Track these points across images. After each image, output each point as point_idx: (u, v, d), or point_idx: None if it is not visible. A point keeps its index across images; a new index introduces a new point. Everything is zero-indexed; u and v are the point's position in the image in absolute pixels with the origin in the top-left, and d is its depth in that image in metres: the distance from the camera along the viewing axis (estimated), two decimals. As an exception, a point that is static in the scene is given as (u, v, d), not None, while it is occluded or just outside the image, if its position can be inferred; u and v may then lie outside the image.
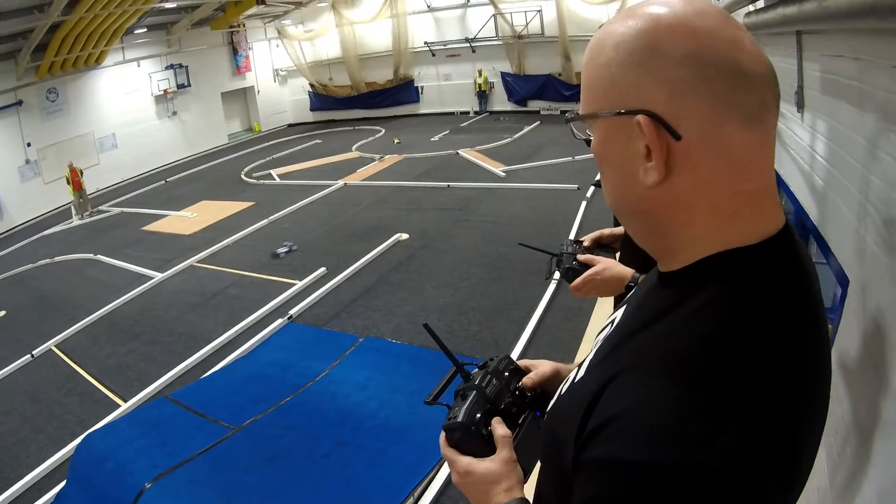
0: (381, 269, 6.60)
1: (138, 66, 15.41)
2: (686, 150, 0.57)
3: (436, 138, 14.30)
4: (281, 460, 3.61)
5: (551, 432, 0.69)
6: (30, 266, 8.95)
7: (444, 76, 17.99)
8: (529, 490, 0.81)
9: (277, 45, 19.35)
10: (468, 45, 17.00)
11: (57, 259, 8.99)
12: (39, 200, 12.94)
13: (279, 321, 5.55)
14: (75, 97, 13.98)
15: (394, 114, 18.57)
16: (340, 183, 10.81)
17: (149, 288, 7.02)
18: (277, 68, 19.79)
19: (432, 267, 6.48)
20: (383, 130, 16.45)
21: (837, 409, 1.42)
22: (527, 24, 15.87)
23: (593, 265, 1.55)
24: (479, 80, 17.12)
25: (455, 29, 17.16)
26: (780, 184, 2.67)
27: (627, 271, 1.49)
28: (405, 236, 7.52)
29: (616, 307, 1.44)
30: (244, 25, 18.02)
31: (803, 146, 2.30)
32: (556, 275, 1.65)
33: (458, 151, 12.17)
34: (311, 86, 19.54)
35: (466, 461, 0.84)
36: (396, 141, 14.08)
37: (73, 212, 11.81)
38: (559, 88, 16.05)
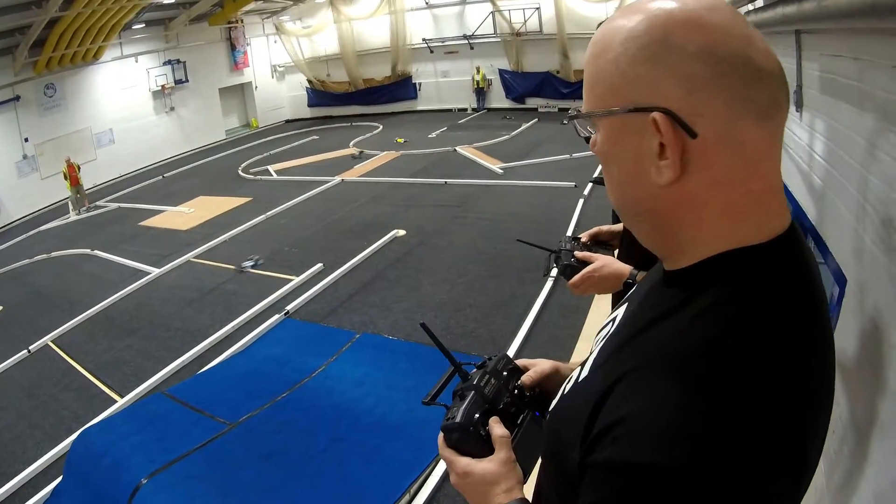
0: (378, 265, 6.60)
1: (136, 61, 15.34)
2: (702, 147, 0.56)
3: (433, 135, 14.28)
4: (277, 456, 3.60)
5: (554, 432, 0.69)
6: (26, 261, 8.91)
7: (441, 73, 17.96)
8: (529, 490, 0.81)
9: (275, 41, 19.29)
10: (466, 42, 16.95)
11: (54, 254, 8.95)
12: (37, 196, 12.89)
13: (276, 317, 5.54)
14: (73, 92, 13.90)
15: (391, 110, 18.52)
16: (337, 179, 10.80)
17: (145, 283, 7.00)
18: (275, 64, 19.72)
19: (429, 263, 6.48)
20: (381, 127, 16.42)
21: (835, 409, 1.40)
22: (525, 21, 15.85)
23: (591, 262, 1.55)
24: (477, 77, 17.08)
25: (453, 26, 17.13)
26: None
27: (626, 268, 1.49)
28: (402, 233, 7.51)
29: (615, 305, 1.45)
30: (242, 21, 17.95)
31: (802, 146, 2.30)
32: (554, 272, 1.65)
33: (456, 148, 12.15)
34: (309, 82, 19.50)
35: (465, 462, 0.83)
36: (400, 140, 13.90)
37: (71, 207, 11.78)
38: (557, 86, 16.04)
